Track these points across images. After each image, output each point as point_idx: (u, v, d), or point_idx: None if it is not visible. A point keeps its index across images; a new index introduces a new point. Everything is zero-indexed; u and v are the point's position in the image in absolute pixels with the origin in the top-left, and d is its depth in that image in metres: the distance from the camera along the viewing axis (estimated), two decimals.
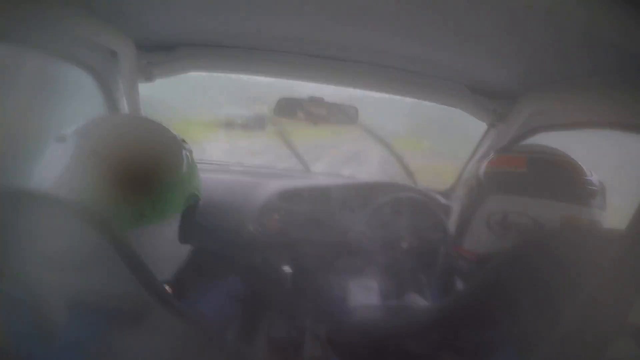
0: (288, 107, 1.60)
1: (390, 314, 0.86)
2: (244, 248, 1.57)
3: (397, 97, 1.58)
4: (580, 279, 0.58)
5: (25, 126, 0.99)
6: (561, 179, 0.82)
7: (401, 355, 0.77)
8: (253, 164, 2.02)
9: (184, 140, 0.90)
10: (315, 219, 1.60)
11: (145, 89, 1.41)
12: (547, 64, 1.06)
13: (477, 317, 0.74)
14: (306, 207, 1.62)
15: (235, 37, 1.37)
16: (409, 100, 1.59)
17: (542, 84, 1.17)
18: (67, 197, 0.73)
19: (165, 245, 0.87)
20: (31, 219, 0.68)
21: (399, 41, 1.21)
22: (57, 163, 0.77)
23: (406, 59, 1.37)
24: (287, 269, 1.56)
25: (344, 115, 1.64)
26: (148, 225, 0.81)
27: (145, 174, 0.80)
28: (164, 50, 1.38)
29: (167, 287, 0.87)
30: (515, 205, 0.81)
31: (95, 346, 0.70)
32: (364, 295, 0.97)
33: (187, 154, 0.89)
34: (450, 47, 1.17)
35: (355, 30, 1.17)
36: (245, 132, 2.23)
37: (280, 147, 1.88)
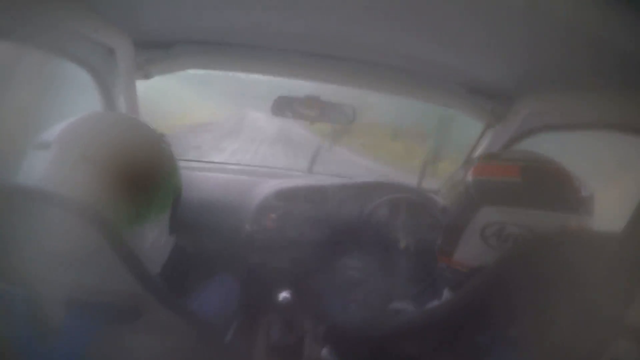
0: (285, 106, 1.60)
1: (388, 316, 0.85)
2: (242, 247, 1.57)
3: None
4: (578, 281, 0.59)
5: (23, 123, 0.98)
6: (557, 188, 0.80)
7: (399, 356, 0.77)
8: (251, 163, 2.02)
9: (162, 134, 0.90)
10: (312, 219, 1.60)
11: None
12: (545, 65, 1.06)
13: (474, 319, 0.74)
14: (303, 206, 1.63)
15: (233, 34, 1.36)
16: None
17: (540, 85, 1.17)
18: (64, 195, 0.73)
19: (156, 238, 0.87)
20: (29, 217, 0.67)
21: (397, 41, 1.21)
22: (47, 166, 0.75)
23: (404, 59, 1.37)
24: (283, 268, 1.56)
25: (341, 114, 1.64)
26: (143, 223, 0.81)
27: (136, 174, 0.79)
28: (161, 48, 1.38)
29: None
30: (512, 216, 0.78)
31: (92, 344, 0.70)
32: (361, 296, 0.97)
33: (167, 147, 0.89)
34: (448, 48, 1.17)
35: (354, 29, 1.17)
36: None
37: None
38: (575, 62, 0.94)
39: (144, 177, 0.81)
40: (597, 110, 1.01)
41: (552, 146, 0.88)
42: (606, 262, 0.57)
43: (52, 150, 0.75)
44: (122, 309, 0.73)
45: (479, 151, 1.62)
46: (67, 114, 0.84)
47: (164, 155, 0.86)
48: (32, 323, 0.68)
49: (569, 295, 0.59)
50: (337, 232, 1.60)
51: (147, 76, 1.39)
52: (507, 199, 0.80)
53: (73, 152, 0.75)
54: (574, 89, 1.04)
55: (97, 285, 0.71)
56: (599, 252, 0.58)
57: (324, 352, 1.13)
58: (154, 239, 0.86)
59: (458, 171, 0.92)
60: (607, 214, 0.82)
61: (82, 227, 0.69)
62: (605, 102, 0.94)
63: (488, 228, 0.80)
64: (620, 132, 0.97)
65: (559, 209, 0.77)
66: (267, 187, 1.66)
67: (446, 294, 0.90)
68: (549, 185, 0.80)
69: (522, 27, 0.89)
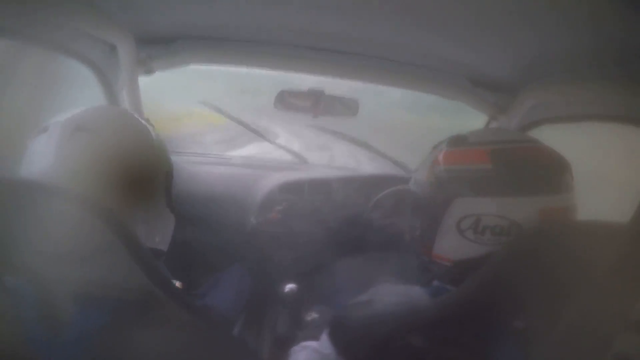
0: (288, 100, 1.59)
1: (393, 309, 0.84)
2: (247, 241, 1.58)
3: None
4: (584, 273, 0.58)
5: (25, 120, 0.99)
6: (530, 170, 0.75)
7: (404, 350, 0.76)
8: (254, 157, 2.03)
9: (147, 119, 0.93)
10: (317, 211, 1.60)
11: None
12: (548, 57, 1.05)
13: (480, 312, 0.73)
14: (308, 199, 1.63)
15: (235, 29, 1.36)
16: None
17: (544, 77, 1.16)
18: (69, 187, 0.74)
19: (156, 218, 0.90)
20: (35, 210, 0.68)
21: (400, 34, 1.20)
22: (50, 155, 0.77)
23: (408, 51, 1.36)
24: (289, 261, 1.57)
25: (344, 107, 1.63)
26: (141, 206, 0.84)
27: (129, 159, 0.81)
28: (163, 44, 1.38)
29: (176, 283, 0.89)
30: (486, 207, 0.73)
31: (101, 339, 0.71)
32: (366, 289, 0.97)
33: (152, 129, 0.92)
34: (452, 40, 1.17)
35: (356, 23, 1.16)
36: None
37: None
38: (579, 54, 0.94)
39: (136, 162, 0.83)
40: (602, 101, 1.00)
41: (556, 138, 0.86)
42: (613, 253, 0.56)
43: (49, 136, 0.77)
44: (131, 303, 0.74)
45: None
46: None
47: (152, 139, 0.89)
48: (41, 317, 0.69)
49: (574, 286, 0.59)
50: (341, 224, 1.60)
51: (149, 72, 1.39)
52: (480, 188, 0.75)
53: (69, 140, 0.77)
54: (578, 80, 1.03)
55: (105, 279, 0.72)
56: (606, 243, 0.58)
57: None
58: (155, 220, 0.89)
59: (428, 157, 0.86)
60: (611, 205, 0.81)
61: (89, 219, 0.69)
62: (610, 93, 0.93)
63: (463, 221, 0.75)
64: (625, 124, 0.96)
65: (537, 192, 0.73)
66: (272, 180, 1.66)
67: (436, 285, 0.88)
68: (521, 168, 0.75)
69: (526, 19, 0.88)
